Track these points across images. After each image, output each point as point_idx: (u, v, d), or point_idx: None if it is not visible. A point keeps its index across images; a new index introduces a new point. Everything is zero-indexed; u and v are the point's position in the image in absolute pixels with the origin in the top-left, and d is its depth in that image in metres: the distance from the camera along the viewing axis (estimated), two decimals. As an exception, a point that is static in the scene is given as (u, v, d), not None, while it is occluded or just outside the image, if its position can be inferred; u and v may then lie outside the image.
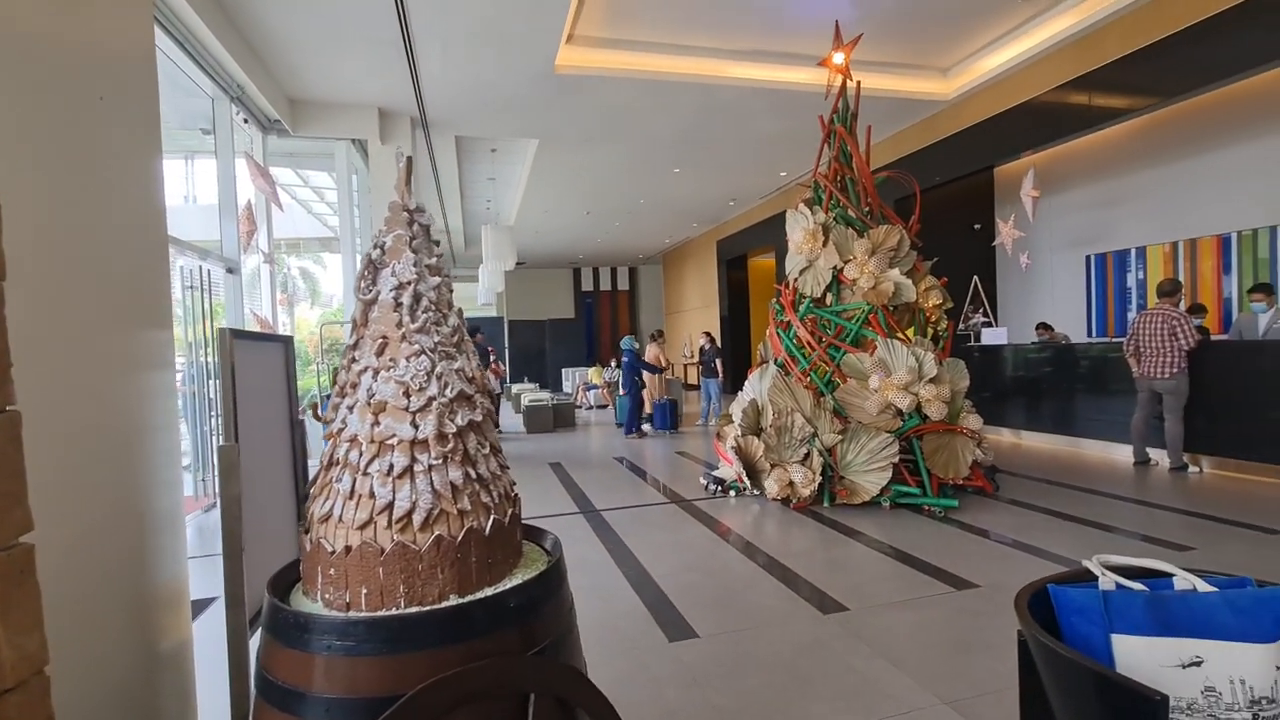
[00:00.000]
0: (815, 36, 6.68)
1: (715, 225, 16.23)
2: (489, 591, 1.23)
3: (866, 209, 5.55)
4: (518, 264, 19.27)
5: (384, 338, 1.23)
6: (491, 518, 1.25)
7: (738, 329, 16.01)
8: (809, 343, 5.36)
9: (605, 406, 13.55)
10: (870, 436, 4.79)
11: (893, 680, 2.45)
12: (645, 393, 10.06)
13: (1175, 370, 5.49)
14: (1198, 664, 1.28)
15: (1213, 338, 5.98)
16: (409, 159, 1.41)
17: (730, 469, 5.49)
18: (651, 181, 11.54)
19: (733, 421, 5.56)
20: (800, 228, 5.47)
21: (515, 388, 14.48)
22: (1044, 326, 7.83)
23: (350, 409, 1.22)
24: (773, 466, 5.03)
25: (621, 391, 9.83)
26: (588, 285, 22.27)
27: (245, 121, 6.49)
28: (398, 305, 1.23)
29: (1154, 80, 6.33)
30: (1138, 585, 1.37)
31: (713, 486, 5.54)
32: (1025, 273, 9.13)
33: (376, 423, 1.19)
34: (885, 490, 4.79)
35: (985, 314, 9.25)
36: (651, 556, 3.98)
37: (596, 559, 4.00)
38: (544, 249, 17.89)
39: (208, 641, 2.19)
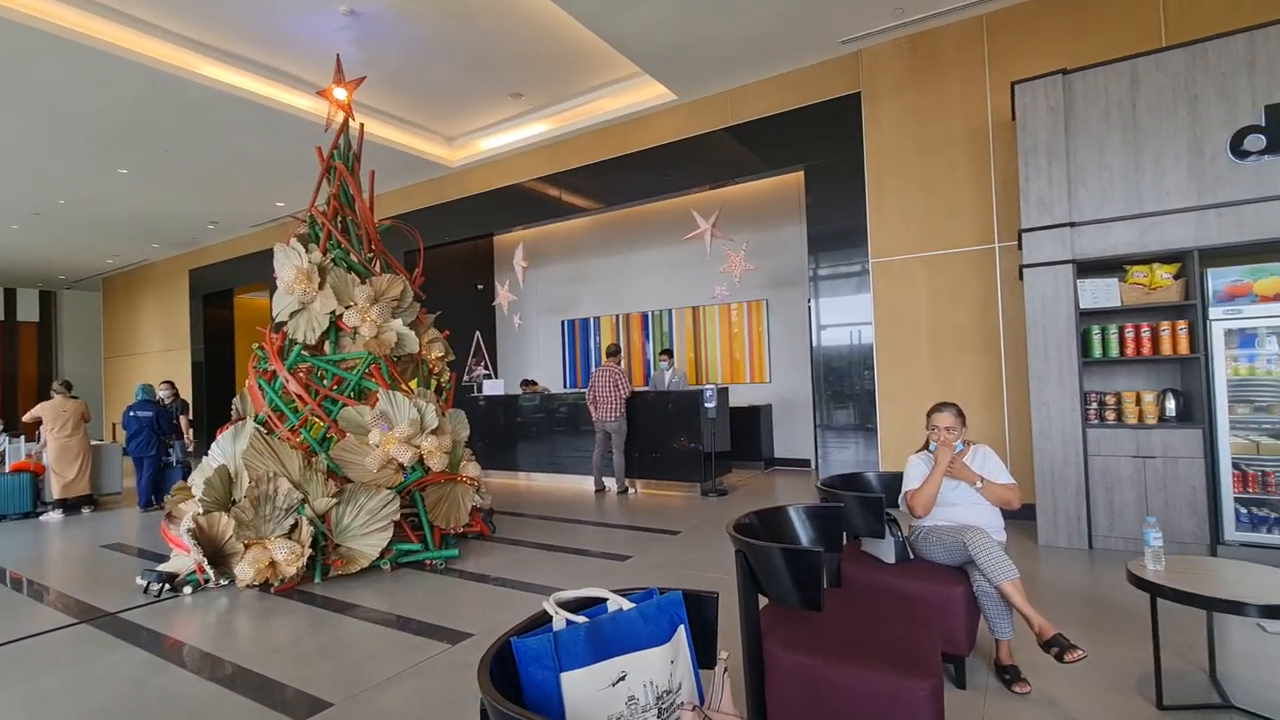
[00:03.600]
0: (315, 64, 6.21)
1: (188, 250, 13.27)
2: None
3: (370, 255, 5.32)
4: None
5: None
6: None
7: (219, 379, 13.29)
8: (301, 395, 4.71)
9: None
10: (370, 495, 4.45)
11: (376, 778, 2.15)
12: (52, 471, 7.17)
13: (618, 414, 7.02)
14: (623, 678, 1.44)
15: (636, 389, 7.92)
16: None
17: (187, 558, 4.27)
18: (78, 177, 8.61)
19: (192, 496, 4.37)
20: (291, 265, 4.83)
21: None
22: (528, 382, 8.96)
23: None
24: (248, 546, 4.13)
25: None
26: (-41, 311, 15.04)
27: None
28: None
29: (599, 190, 8.19)
30: (582, 618, 1.49)
31: (156, 586, 4.19)
32: (518, 331, 10.43)
33: None
34: (387, 551, 4.50)
35: (486, 367, 10.11)
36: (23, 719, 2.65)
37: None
38: None
39: None
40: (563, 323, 10.37)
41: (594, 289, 10.07)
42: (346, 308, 4.89)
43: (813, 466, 7.75)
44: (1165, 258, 4.38)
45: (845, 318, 6.39)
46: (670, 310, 9.34)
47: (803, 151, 6.63)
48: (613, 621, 1.51)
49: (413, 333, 5.15)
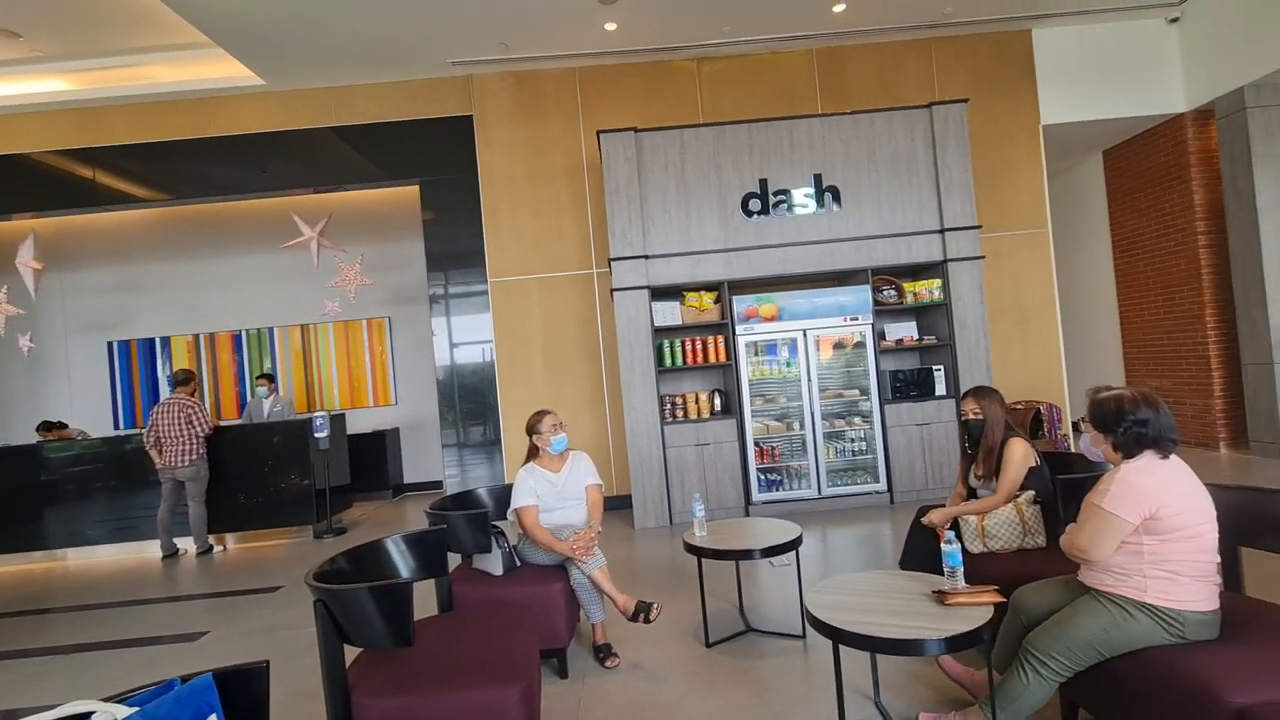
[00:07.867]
0: None
1: None
2: None
3: None
4: None
5: None
6: None
7: None
8: None
9: None
10: None
11: None
12: None
13: (195, 457, 5.66)
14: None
15: (225, 423, 6.55)
16: None
17: None
18: None
19: None
20: None
21: None
22: (49, 426, 6.56)
23: None
24: None
25: None
26: None
27: None
28: None
29: (163, 177, 6.57)
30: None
31: None
32: (31, 358, 7.60)
33: None
34: None
35: (-32, 409, 7.06)
36: None
37: None
38: None
39: None
40: (110, 345, 7.94)
41: (160, 301, 7.99)
42: None
43: (445, 488, 7.57)
44: (708, 287, 5.59)
45: (469, 335, 6.43)
46: (272, 329, 8.02)
47: (419, 165, 6.46)
48: (95, 740, 1.12)
49: None
